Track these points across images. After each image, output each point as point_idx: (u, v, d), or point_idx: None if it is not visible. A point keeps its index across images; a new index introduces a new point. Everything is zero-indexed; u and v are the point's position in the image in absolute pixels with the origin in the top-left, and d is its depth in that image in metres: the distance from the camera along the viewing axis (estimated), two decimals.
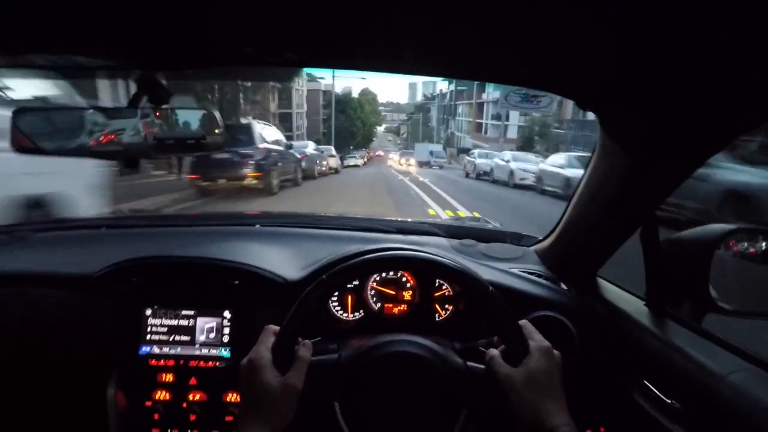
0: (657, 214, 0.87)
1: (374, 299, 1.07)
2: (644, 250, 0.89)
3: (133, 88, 0.76)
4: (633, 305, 0.97)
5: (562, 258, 1.12)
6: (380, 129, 79.50)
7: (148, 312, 0.99)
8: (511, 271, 1.09)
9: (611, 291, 1.07)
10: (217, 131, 0.84)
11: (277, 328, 0.69)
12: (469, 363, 0.73)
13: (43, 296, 1.02)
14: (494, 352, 0.70)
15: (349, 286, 1.05)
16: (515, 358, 0.67)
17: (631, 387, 0.87)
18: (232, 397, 1.00)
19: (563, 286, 1.06)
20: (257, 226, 1.33)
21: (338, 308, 1.06)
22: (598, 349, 0.97)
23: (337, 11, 0.49)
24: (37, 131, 0.78)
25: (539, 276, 1.09)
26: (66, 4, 0.51)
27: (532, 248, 1.25)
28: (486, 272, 1.03)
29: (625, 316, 0.95)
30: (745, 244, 0.90)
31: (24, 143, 0.77)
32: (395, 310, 1.07)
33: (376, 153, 52.98)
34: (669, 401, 0.77)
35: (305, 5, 0.48)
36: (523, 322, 0.72)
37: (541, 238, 1.26)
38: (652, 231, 0.87)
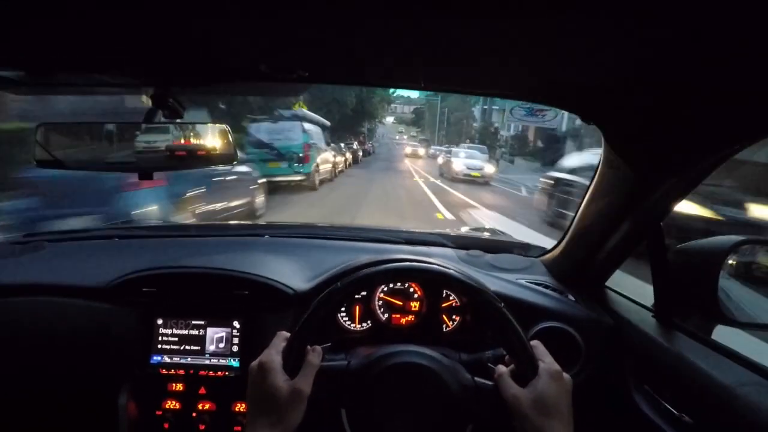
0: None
1: (382, 310, 1.08)
2: (651, 260, 0.89)
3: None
4: (641, 316, 0.97)
5: (569, 269, 1.12)
6: (389, 120, 74.66)
7: (160, 321, 1.01)
8: (518, 281, 1.09)
9: (619, 302, 1.06)
10: (227, 144, 0.87)
11: (288, 333, 0.70)
12: (477, 378, 0.72)
13: (57, 306, 1.04)
14: (503, 369, 0.69)
15: (357, 296, 1.06)
16: (524, 378, 0.66)
17: (639, 399, 0.87)
18: (241, 407, 1.01)
19: (570, 297, 1.06)
20: (266, 236, 1.35)
21: (346, 318, 1.07)
22: (605, 360, 0.97)
23: (346, 31, 0.51)
24: (57, 146, 0.81)
25: (546, 287, 1.09)
26: (87, 23, 0.53)
27: (539, 259, 1.25)
28: (493, 283, 1.04)
29: (633, 327, 0.95)
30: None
31: (44, 157, 0.80)
32: (402, 320, 1.08)
33: (405, 152, 34.15)
34: (678, 414, 0.77)
35: (315, 26, 0.50)
36: (535, 342, 0.71)
37: (548, 248, 1.26)
38: (659, 241, 0.87)
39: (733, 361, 0.76)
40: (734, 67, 0.49)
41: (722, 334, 0.85)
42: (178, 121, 0.84)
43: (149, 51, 0.63)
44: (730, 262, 0.86)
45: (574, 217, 1.05)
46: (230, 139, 0.84)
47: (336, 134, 23.97)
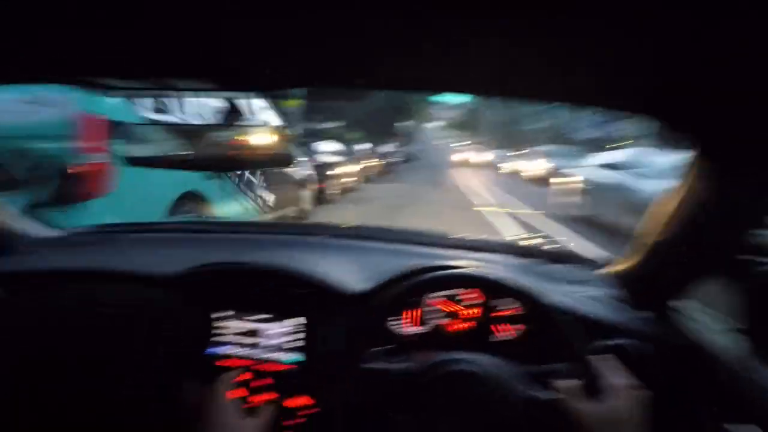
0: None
1: (435, 315, 1.06)
2: (736, 279, 0.81)
3: None
4: (720, 339, 0.89)
5: (638, 282, 1.05)
6: (433, 124, 72.03)
7: (219, 315, 1.05)
8: (580, 294, 1.04)
9: (695, 320, 0.98)
10: (286, 148, 0.90)
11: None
12: (537, 393, 0.70)
13: (124, 294, 1.11)
14: (567, 385, 0.68)
15: (411, 300, 1.05)
16: (589, 395, 0.65)
17: (719, 429, 0.80)
18: (294, 402, 1.03)
19: (639, 313, 0.99)
20: (320, 236, 1.38)
21: (398, 322, 1.06)
22: (676, 383, 0.90)
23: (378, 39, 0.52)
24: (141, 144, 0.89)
25: (611, 300, 1.02)
26: (161, 31, 0.57)
27: (603, 271, 1.18)
28: (554, 295, 0.99)
29: (710, 350, 0.87)
30: None
31: (128, 155, 0.88)
32: (455, 327, 1.06)
33: (456, 159, 26.79)
34: None
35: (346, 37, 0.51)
36: (600, 359, 0.69)
37: (613, 259, 1.19)
38: (747, 260, 0.80)
39: None
40: None
41: None
42: (237, 123, 0.89)
43: (235, 60, 0.66)
44: None
45: (643, 229, 0.99)
46: (287, 142, 0.88)
47: (366, 132, 19.64)
